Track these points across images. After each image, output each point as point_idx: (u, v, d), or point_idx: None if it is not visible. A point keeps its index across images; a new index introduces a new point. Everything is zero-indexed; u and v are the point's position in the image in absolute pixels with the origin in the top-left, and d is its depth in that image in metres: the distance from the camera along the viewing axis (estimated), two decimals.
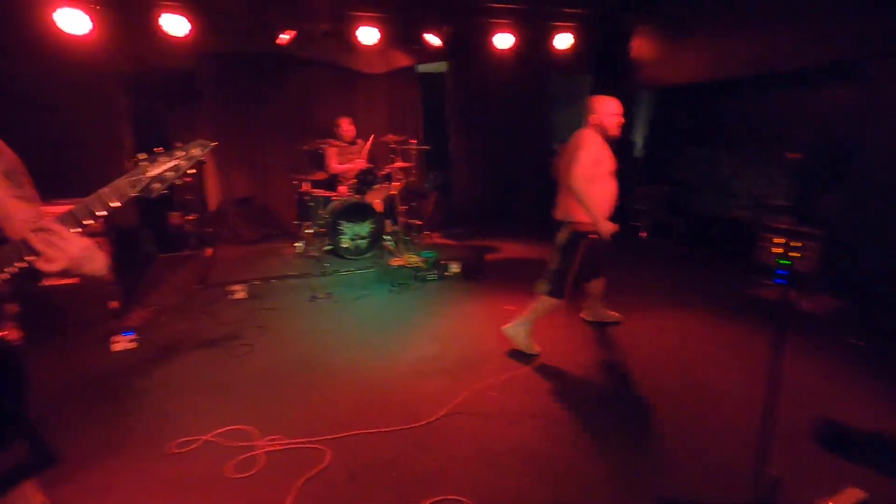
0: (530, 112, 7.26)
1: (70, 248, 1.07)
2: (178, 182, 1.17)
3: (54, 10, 4.17)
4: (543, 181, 7.86)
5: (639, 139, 7.10)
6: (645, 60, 6.40)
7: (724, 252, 5.23)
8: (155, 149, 1.13)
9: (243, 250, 5.78)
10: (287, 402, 2.72)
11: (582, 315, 3.72)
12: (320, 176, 5.49)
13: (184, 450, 2.33)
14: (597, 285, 3.49)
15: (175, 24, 4.67)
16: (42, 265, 1.06)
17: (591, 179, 2.92)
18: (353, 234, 5.03)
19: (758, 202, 5.16)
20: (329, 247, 5.15)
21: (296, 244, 5.44)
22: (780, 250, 2.21)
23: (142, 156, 1.13)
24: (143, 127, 5.58)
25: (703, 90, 5.83)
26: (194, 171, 1.19)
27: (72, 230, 1.08)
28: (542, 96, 7.37)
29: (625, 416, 2.55)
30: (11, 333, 1.26)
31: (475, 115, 6.98)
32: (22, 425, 1.27)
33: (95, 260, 1.15)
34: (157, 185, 1.12)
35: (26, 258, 1.06)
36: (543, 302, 3.14)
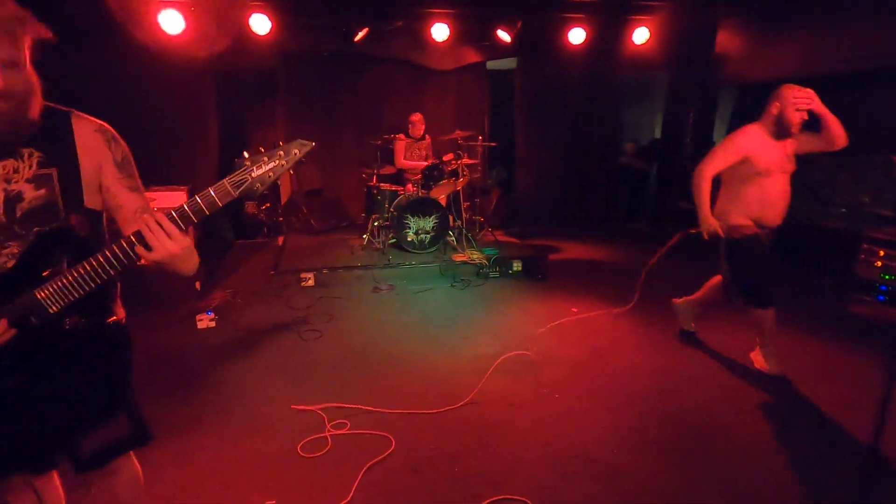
0: (601, 110, 7.05)
1: (171, 244, 1.10)
2: (278, 182, 1.18)
3: (158, 12, 4.53)
4: (612, 181, 7.70)
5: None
6: (730, 56, 6.01)
7: (816, 264, 4.82)
8: (258, 149, 1.13)
9: (312, 240, 6.02)
10: (353, 388, 2.81)
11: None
12: (388, 170, 5.62)
13: (257, 426, 2.47)
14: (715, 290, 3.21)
15: (259, 24, 4.93)
16: (145, 255, 1.11)
17: (745, 178, 2.76)
18: (417, 228, 5.11)
19: (857, 211, 4.71)
20: (393, 240, 5.26)
21: (362, 236, 5.61)
22: (883, 264, 1.98)
23: (245, 156, 1.13)
24: (224, 120, 5.96)
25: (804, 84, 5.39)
26: (292, 171, 1.19)
27: (177, 227, 1.11)
28: (615, 94, 7.13)
29: (702, 433, 2.42)
30: (119, 312, 1.37)
31: (543, 113, 6.87)
32: (127, 401, 1.38)
33: (189, 261, 1.19)
34: (258, 186, 1.13)
35: (136, 257, 1.12)
36: (758, 317, 2.87)
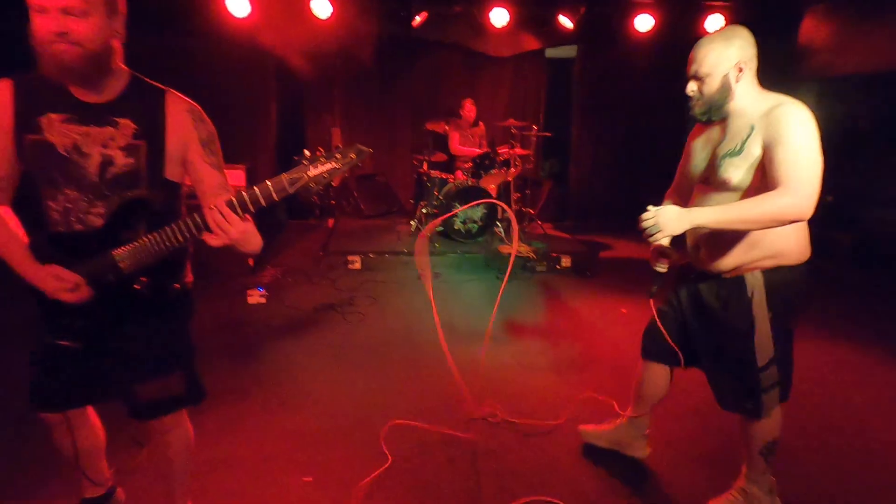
0: (666, 103, 6.67)
1: (232, 230, 1.19)
2: (333, 183, 1.23)
3: None
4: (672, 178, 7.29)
5: None
6: (816, 46, 5.52)
7: None
8: (317, 150, 1.19)
9: (361, 223, 6.11)
10: (392, 373, 2.82)
11: None
12: (440, 157, 5.59)
13: (300, 402, 2.52)
14: None
15: (321, 8, 4.99)
16: (207, 238, 1.22)
17: None
18: (465, 217, 5.06)
19: None
20: (441, 228, 5.24)
21: (410, 222, 5.62)
22: None
23: (305, 154, 1.19)
24: (283, 102, 6.11)
25: (889, 81, 4.88)
26: (347, 174, 1.25)
27: (237, 214, 1.20)
28: (682, 86, 6.74)
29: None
30: (188, 276, 1.48)
31: (602, 104, 6.59)
32: (184, 360, 1.49)
33: (251, 243, 1.29)
34: (313, 185, 1.18)
35: (200, 234, 1.24)
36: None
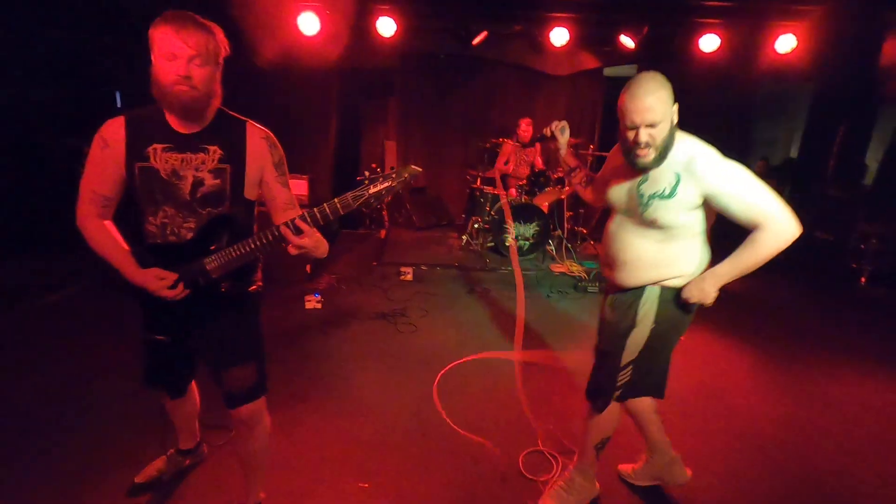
0: (729, 124, 6.47)
1: (306, 241, 1.41)
2: (388, 199, 1.42)
3: (297, 14, 4.93)
4: None
5: (872, 163, 5.85)
6: None
7: None
8: (378, 169, 1.41)
9: (412, 235, 6.21)
10: (447, 389, 2.83)
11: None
12: (493, 174, 5.62)
13: (355, 409, 2.58)
14: None
15: (386, 26, 5.17)
16: (288, 247, 1.43)
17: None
18: (517, 233, 5.05)
19: None
20: (492, 243, 5.25)
21: (461, 236, 5.67)
22: None
23: (366, 175, 1.39)
24: (342, 115, 6.34)
25: None
26: (400, 191, 1.49)
27: (309, 226, 1.41)
28: (746, 107, 6.51)
29: (833, 499, 2.11)
30: (259, 282, 1.71)
31: None
32: (258, 353, 1.68)
33: (319, 250, 1.49)
34: (373, 201, 1.38)
35: (279, 244, 1.46)
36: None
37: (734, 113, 6.44)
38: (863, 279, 5.15)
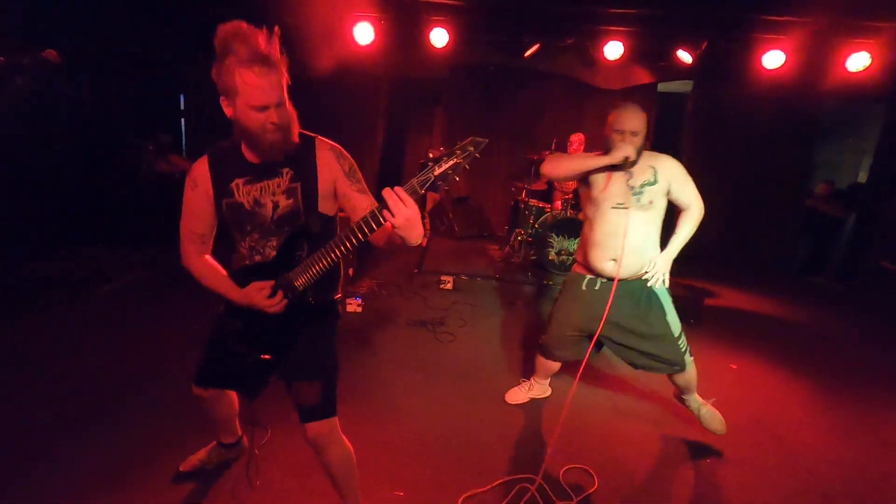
0: (790, 144, 6.16)
1: (405, 209, 1.22)
2: (458, 178, 1.26)
3: (353, 25, 5.07)
4: (792, 226, 6.65)
5: None
6: None
7: None
8: (441, 148, 1.25)
9: (454, 244, 6.21)
10: (481, 402, 2.79)
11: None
12: (539, 186, 5.57)
13: (392, 415, 2.58)
14: None
15: (439, 38, 5.24)
16: (388, 217, 1.24)
17: None
18: (560, 248, 4.96)
19: None
20: (534, 257, 5.17)
21: (503, 248, 5.62)
22: None
23: (430, 156, 1.32)
24: (388, 124, 6.45)
25: None
26: (469, 167, 1.27)
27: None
28: (811, 128, 6.18)
29: None
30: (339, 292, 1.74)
31: (716, 142, 6.22)
32: (329, 373, 1.69)
33: (416, 229, 1.29)
34: (440, 183, 1.25)
35: (381, 213, 1.27)
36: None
37: (795, 133, 6.13)
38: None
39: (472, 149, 1.23)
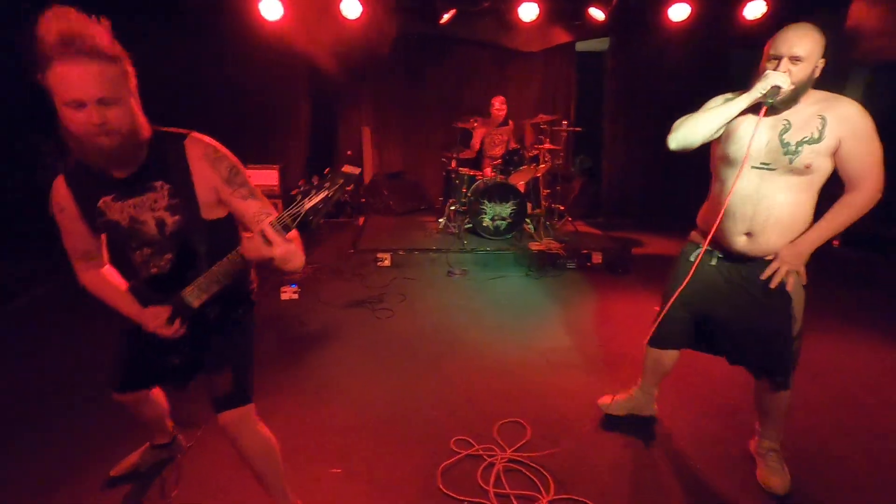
0: (705, 95, 6.43)
1: (267, 251, 1.23)
2: (331, 209, 1.26)
3: (259, 0, 4.79)
4: (710, 175, 7.03)
5: None
6: (866, 31, 5.22)
7: None
8: (313, 179, 1.26)
9: (391, 221, 6.16)
10: (424, 373, 2.84)
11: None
12: (468, 154, 5.58)
13: (331, 396, 2.58)
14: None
15: (350, 8, 5.05)
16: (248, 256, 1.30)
17: None
18: (494, 214, 5.03)
19: None
20: (469, 225, 5.22)
21: (439, 220, 5.64)
22: None
23: (300, 188, 1.24)
24: (315, 103, 6.22)
25: None
26: (341, 198, 1.30)
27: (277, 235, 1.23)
28: (721, 77, 6.49)
29: (804, 457, 2.16)
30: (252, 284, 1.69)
31: (636, 98, 6.42)
32: (234, 362, 1.60)
33: (292, 261, 1.30)
34: (311, 217, 1.22)
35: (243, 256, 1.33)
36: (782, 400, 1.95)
37: (710, 83, 6.41)
38: (836, 242, 5.23)
39: (341, 181, 1.22)
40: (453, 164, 5.34)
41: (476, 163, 5.70)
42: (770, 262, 1.77)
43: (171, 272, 1.48)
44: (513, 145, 5.56)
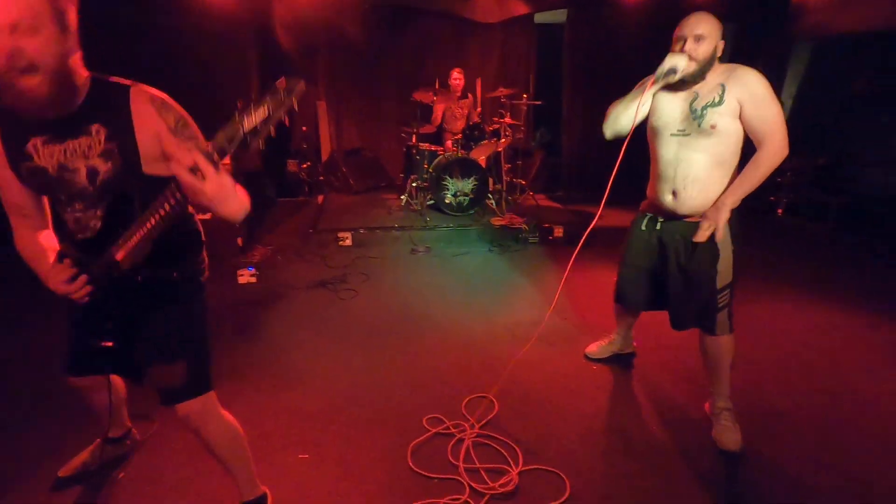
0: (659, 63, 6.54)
1: (206, 185, 1.06)
2: (272, 134, 1.08)
3: None
4: None
5: (787, 100, 6.13)
6: (810, 5, 5.40)
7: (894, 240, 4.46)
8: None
9: (351, 199, 6.02)
10: (390, 353, 2.80)
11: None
12: (428, 129, 5.47)
13: (294, 381, 2.51)
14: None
15: None
16: (189, 195, 1.10)
17: None
18: (456, 189, 4.99)
19: None
20: (431, 201, 5.17)
21: (400, 197, 5.54)
22: None
23: (238, 107, 1.06)
24: (264, 78, 5.91)
25: (886, 41, 4.80)
26: (286, 119, 1.08)
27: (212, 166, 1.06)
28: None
29: (756, 417, 2.28)
30: (197, 267, 1.54)
31: (594, 71, 6.44)
32: (187, 352, 1.49)
33: (230, 203, 1.13)
34: (250, 140, 1.05)
35: (180, 201, 1.16)
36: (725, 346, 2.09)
37: (665, 52, 6.51)
38: (780, 210, 5.50)
39: (282, 94, 1.03)
40: (413, 139, 5.23)
41: (436, 138, 5.62)
42: (695, 222, 1.98)
43: (103, 232, 1.32)
44: (474, 119, 5.49)
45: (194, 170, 1.05)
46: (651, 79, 1.92)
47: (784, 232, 5.12)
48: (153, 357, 1.47)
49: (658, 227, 2.11)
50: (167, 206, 1.18)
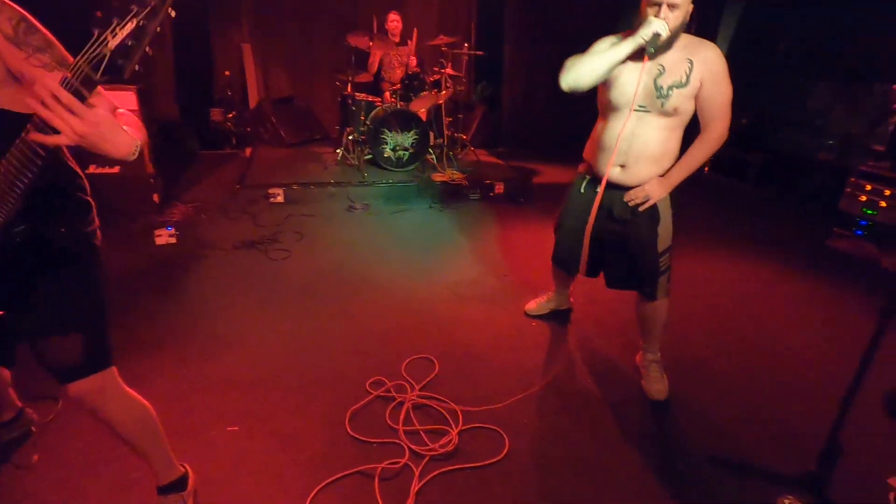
0: (605, 22, 6.47)
1: (74, 119, 0.86)
2: (149, 51, 0.86)
3: None
4: None
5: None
6: None
7: (807, 197, 4.81)
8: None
9: (283, 152, 5.64)
10: (325, 316, 2.68)
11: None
12: (365, 78, 5.15)
13: (222, 349, 2.35)
14: None
15: None
16: (46, 140, 0.87)
17: None
18: (395, 144, 4.78)
19: (851, 144, 4.59)
20: (369, 156, 4.94)
21: (336, 150, 5.26)
22: (868, 199, 1.88)
23: (100, 15, 0.83)
24: (181, 17, 5.27)
25: (812, 4, 4.98)
26: (159, 28, 0.85)
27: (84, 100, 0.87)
28: (630, 4, 6.54)
29: (673, 377, 2.41)
30: (89, 226, 1.33)
31: (537, 24, 6.28)
32: (81, 323, 1.29)
33: (113, 140, 0.94)
34: (122, 62, 0.85)
35: (33, 136, 0.89)
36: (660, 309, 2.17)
37: (607, 10, 6.44)
38: (706, 168, 5.77)
39: (153, 1, 0.83)
40: (349, 88, 4.92)
41: (374, 87, 5.31)
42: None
43: None
44: (413, 68, 5.22)
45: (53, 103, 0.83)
46: (630, 40, 1.74)
47: (709, 190, 5.38)
48: (43, 328, 1.24)
49: (597, 189, 2.04)
50: (27, 151, 0.93)
